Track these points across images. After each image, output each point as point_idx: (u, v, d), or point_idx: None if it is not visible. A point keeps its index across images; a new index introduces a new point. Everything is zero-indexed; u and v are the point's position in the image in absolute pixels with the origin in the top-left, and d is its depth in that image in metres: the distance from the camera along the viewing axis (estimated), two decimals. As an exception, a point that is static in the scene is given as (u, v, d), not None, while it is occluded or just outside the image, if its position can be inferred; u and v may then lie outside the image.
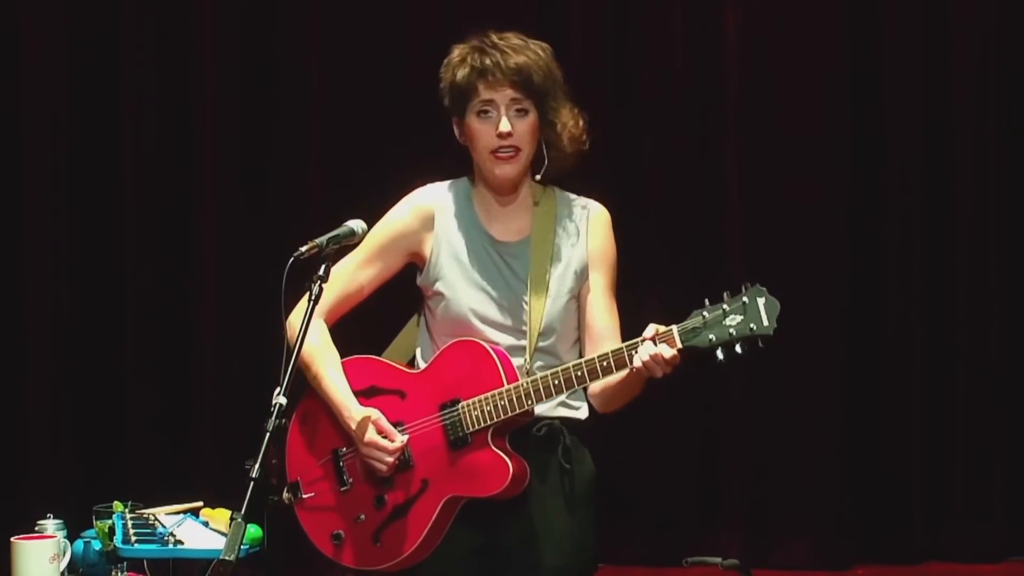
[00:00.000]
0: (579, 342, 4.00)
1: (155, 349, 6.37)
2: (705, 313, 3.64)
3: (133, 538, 4.37)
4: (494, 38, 3.97)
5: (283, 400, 3.63)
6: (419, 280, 4.02)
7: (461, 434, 3.88)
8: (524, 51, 3.93)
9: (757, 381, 6.36)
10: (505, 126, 3.90)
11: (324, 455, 4.02)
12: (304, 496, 4.02)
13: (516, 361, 3.89)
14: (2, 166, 6.35)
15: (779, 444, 6.38)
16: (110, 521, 4.40)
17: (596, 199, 3.88)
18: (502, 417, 3.84)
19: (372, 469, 3.93)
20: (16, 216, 6.35)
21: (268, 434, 3.60)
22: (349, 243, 3.92)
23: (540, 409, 3.90)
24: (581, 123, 3.99)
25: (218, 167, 6.35)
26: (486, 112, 3.92)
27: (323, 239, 3.82)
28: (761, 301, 3.61)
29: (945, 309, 6.39)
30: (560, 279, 3.94)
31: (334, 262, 3.83)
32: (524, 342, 3.92)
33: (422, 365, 4.02)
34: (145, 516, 4.45)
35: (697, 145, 6.40)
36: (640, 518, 6.41)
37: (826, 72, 6.34)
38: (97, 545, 4.39)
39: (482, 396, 3.85)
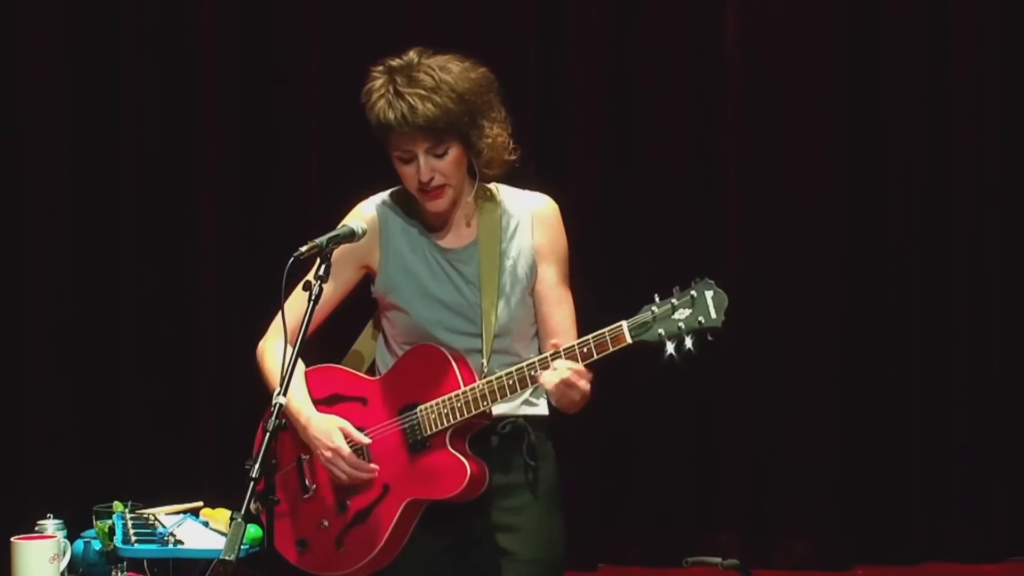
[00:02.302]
0: (537, 338, 3.99)
1: (155, 349, 6.37)
2: (654, 308, 3.64)
3: (133, 538, 4.36)
4: (399, 82, 3.83)
5: (283, 400, 3.63)
6: (373, 291, 4.03)
7: (420, 437, 3.89)
8: (433, 95, 3.81)
9: (757, 381, 6.37)
10: (425, 175, 3.86)
11: (288, 463, 4.03)
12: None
13: (475, 363, 3.89)
14: (3, 167, 6.35)
15: (779, 444, 6.39)
16: (110, 521, 4.40)
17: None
18: (459, 419, 3.84)
19: (333, 476, 3.95)
20: (17, 217, 6.35)
21: (268, 434, 3.60)
22: (349, 243, 3.92)
23: (503, 407, 3.89)
24: (507, 133, 3.92)
25: (218, 167, 6.35)
26: (406, 160, 3.89)
27: (323, 239, 3.82)
28: (709, 294, 3.60)
29: (945, 309, 6.39)
30: (510, 279, 3.93)
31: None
32: (481, 344, 3.92)
33: (383, 372, 4.02)
34: (145, 516, 4.45)
35: (697, 145, 6.40)
36: (640, 518, 6.41)
37: (826, 72, 6.34)
38: (97, 545, 4.38)
39: (440, 399, 3.86)
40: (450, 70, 3.86)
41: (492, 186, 3.99)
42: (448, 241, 3.98)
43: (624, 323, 3.67)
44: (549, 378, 3.73)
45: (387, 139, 3.88)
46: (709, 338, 3.59)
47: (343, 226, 3.92)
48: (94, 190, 6.38)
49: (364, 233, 3.92)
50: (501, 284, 3.92)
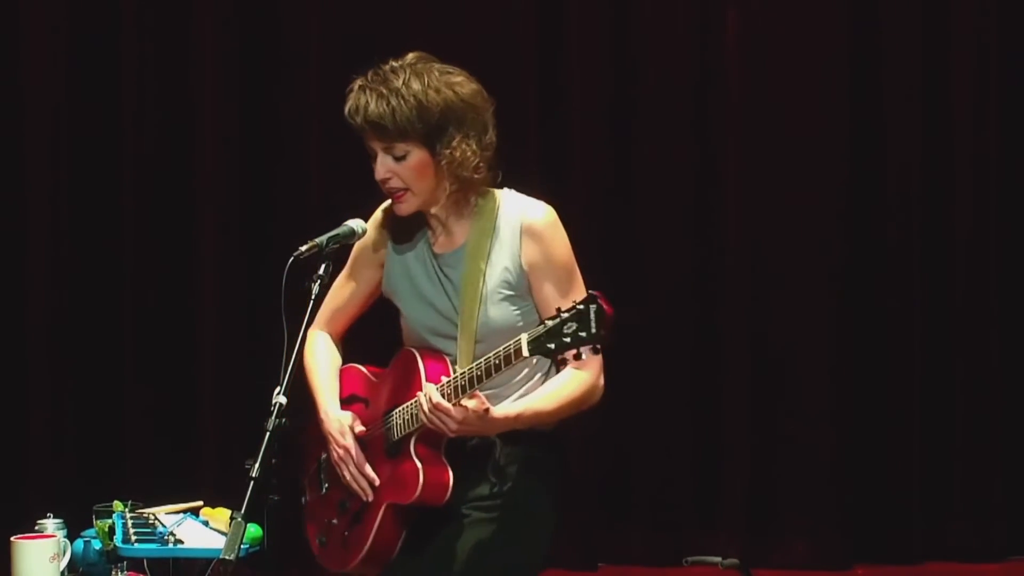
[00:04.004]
0: None
1: (155, 349, 6.37)
2: (548, 322, 3.66)
3: (133, 538, 4.36)
4: (370, 77, 3.87)
5: (283, 399, 3.64)
6: (382, 292, 4.08)
7: (393, 441, 3.91)
8: (391, 96, 3.82)
9: (757, 380, 6.37)
10: (379, 173, 3.88)
11: (314, 461, 4.11)
12: (306, 499, 4.14)
13: (462, 368, 3.88)
14: (3, 167, 6.36)
15: (779, 444, 6.38)
16: (110, 521, 4.39)
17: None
18: (417, 425, 3.84)
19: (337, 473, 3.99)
20: (17, 217, 6.35)
21: (268, 434, 3.61)
22: (349, 242, 3.93)
23: None
24: (478, 153, 3.89)
25: (218, 166, 6.35)
26: (371, 156, 3.92)
27: (323, 238, 3.84)
28: (593, 308, 3.61)
29: (945, 309, 6.39)
30: (492, 283, 3.92)
31: (333, 261, 3.86)
32: (463, 349, 3.93)
33: None
34: (145, 516, 4.45)
35: (697, 145, 6.40)
36: (640, 518, 6.41)
37: (826, 72, 6.34)
38: (97, 545, 4.38)
39: (407, 403, 3.87)
40: (424, 79, 3.85)
41: (496, 191, 3.98)
42: (441, 245, 3.99)
43: (524, 336, 3.67)
44: (422, 409, 3.78)
45: (358, 136, 3.91)
46: (594, 350, 3.63)
47: (344, 225, 3.93)
48: (94, 190, 6.38)
49: (364, 232, 3.94)
50: (483, 290, 3.91)
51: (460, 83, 3.89)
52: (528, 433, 3.90)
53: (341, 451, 3.96)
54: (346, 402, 4.05)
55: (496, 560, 3.89)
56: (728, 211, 6.38)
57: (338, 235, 3.88)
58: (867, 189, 6.38)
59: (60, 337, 6.35)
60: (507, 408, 3.82)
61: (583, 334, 3.61)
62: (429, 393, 3.77)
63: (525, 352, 3.66)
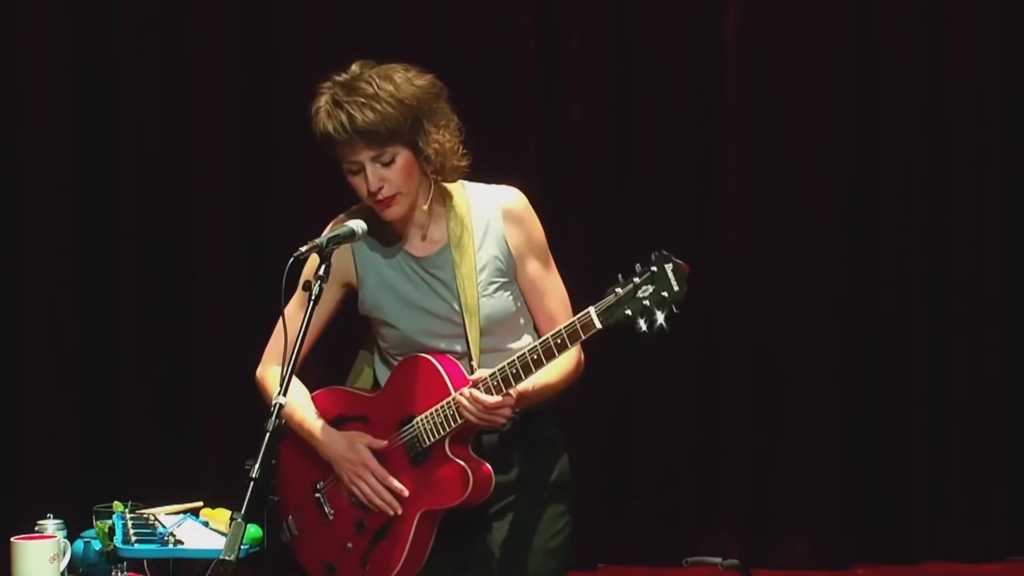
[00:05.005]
0: (535, 330, 4.00)
1: (155, 349, 6.37)
2: (618, 289, 3.64)
3: (133, 538, 4.35)
4: (339, 92, 3.86)
5: (283, 400, 3.63)
6: (360, 310, 4.05)
7: (420, 449, 3.91)
8: (372, 103, 3.82)
9: (757, 380, 6.37)
10: (374, 184, 3.88)
11: (305, 491, 4.07)
12: (294, 533, 4.09)
13: (466, 366, 3.90)
14: (3, 169, 6.35)
15: (779, 444, 6.39)
16: (110, 521, 4.39)
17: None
18: (454, 426, 3.85)
19: (352, 494, 3.97)
20: (16, 217, 6.35)
21: (268, 434, 3.60)
22: (349, 243, 3.93)
23: None
24: (456, 139, 3.92)
25: (218, 167, 6.35)
26: (354, 171, 3.91)
27: (323, 239, 3.84)
28: (669, 267, 3.62)
29: (945, 309, 6.39)
30: (487, 278, 3.94)
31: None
32: (469, 347, 3.94)
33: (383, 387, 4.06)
34: (145, 516, 4.44)
35: (697, 145, 6.40)
36: (640, 518, 6.41)
37: (826, 72, 6.34)
38: (97, 545, 4.37)
39: (433, 409, 3.87)
40: (392, 78, 3.87)
41: (457, 185, 3.99)
42: (420, 249, 3.99)
43: (592, 309, 3.69)
44: (471, 413, 3.80)
45: (334, 152, 3.91)
46: (675, 310, 3.60)
47: (344, 225, 3.93)
48: (94, 190, 6.38)
49: (364, 232, 3.93)
50: (479, 285, 3.93)
51: (415, 76, 3.92)
52: (546, 409, 3.95)
53: (358, 469, 3.94)
54: (334, 424, 4.01)
55: (548, 536, 3.95)
56: (728, 211, 6.38)
57: (338, 236, 3.88)
58: (867, 189, 6.38)
59: (60, 337, 6.35)
60: (524, 383, 3.83)
61: (665, 294, 3.60)
62: (474, 395, 3.78)
63: (597, 324, 3.66)
